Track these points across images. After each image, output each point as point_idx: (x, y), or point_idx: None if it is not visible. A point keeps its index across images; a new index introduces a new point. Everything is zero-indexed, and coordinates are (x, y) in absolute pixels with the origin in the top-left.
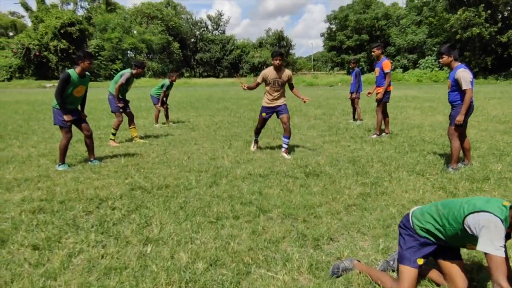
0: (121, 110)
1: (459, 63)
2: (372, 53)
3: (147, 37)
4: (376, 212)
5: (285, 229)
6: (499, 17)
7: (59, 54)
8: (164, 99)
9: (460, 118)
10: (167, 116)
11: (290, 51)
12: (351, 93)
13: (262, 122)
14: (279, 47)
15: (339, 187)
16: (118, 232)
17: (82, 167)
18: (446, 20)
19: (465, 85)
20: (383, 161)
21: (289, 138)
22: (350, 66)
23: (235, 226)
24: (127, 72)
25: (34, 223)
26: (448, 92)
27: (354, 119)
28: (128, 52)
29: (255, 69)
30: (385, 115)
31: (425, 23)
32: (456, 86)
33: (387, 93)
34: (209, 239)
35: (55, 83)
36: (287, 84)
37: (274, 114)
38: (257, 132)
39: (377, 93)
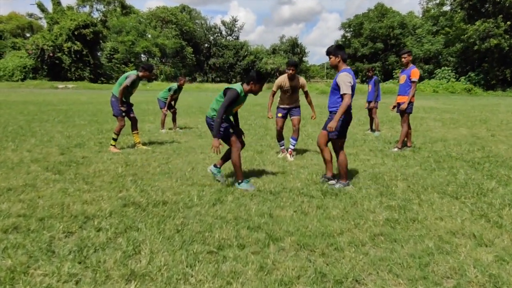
0: (123, 114)
1: (347, 67)
2: (402, 60)
3: (161, 41)
4: (409, 245)
5: (300, 265)
6: None
7: (73, 56)
8: (172, 103)
9: (332, 124)
10: (174, 120)
11: (304, 58)
12: (369, 102)
13: (280, 124)
14: (293, 54)
15: (361, 210)
16: (98, 262)
17: (74, 176)
18: (463, 31)
19: (344, 89)
20: (408, 179)
21: (296, 140)
22: (369, 74)
23: (239, 258)
24: (132, 74)
25: (1, 247)
26: (329, 96)
27: (372, 129)
28: (142, 55)
29: (268, 75)
30: (407, 126)
31: (442, 33)
32: (338, 90)
33: (410, 103)
34: (207, 277)
35: (68, 84)
36: (302, 92)
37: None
38: (279, 138)
39: (398, 103)
